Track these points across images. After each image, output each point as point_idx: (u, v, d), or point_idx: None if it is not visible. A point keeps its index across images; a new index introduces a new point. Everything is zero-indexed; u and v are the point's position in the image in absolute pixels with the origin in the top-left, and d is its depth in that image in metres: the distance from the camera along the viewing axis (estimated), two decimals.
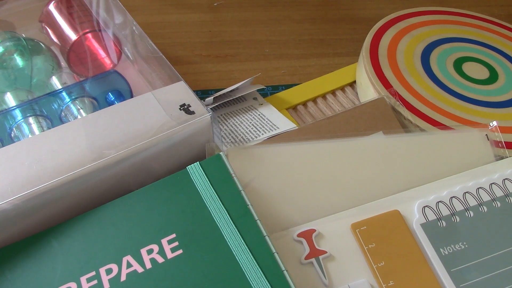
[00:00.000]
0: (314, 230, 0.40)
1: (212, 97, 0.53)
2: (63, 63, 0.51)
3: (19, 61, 0.49)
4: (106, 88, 0.47)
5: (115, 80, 0.48)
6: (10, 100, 0.46)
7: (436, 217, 0.41)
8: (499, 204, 0.42)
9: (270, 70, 0.63)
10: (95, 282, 0.36)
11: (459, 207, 0.41)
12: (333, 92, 0.59)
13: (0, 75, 0.49)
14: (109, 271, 0.36)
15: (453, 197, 0.42)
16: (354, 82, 0.59)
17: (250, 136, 0.51)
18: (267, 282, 0.35)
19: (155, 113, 0.42)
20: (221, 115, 0.54)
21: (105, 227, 0.38)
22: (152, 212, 0.38)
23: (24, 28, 0.54)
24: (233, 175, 0.39)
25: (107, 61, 0.51)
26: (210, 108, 0.45)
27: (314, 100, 0.58)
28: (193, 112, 0.42)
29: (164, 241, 0.37)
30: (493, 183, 0.43)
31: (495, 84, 0.56)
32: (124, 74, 0.48)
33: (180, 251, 0.37)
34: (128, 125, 0.41)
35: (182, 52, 0.64)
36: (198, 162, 0.40)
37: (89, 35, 0.51)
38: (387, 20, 0.62)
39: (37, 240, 0.38)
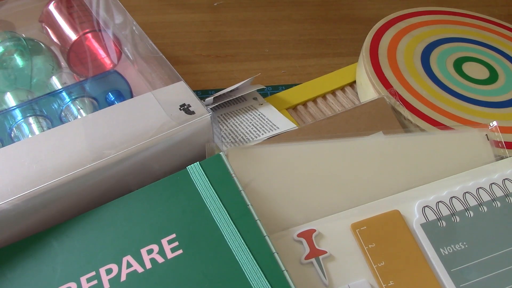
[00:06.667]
0: (314, 230, 0.40)
1: (212, 97, 0.53)
2: (63, 63, 0.51)
3: (19, 61, 0.49)
4: (106, 88, 0.47)
5: (115, 80, 0.48)
6: (10, 100, 0.46)
7: (436, 217, 0.41)
8: (499, 204, 0.42)
9: (270, 70, 0.63)
10: (95, 282, 0.36)
11: (459, 207, 0.41)
12: (333, 92, 0.59)
13: (0, 75, 0.49)
14: (109, 271, 0.36)
15: (453, 197, 0.42)
16: (354, 82, 0.59)
17: (250, 136, 0.51)
18: (267, 282, 0.35)
19: (155, 113, 0.42)
20: (221, 115, 0.54)
21: (105, 227, 0.38)
22: (152, 212, 0.38)
23: (24, 28, 0.54)
24: (233, 175, 0.39)
25: (107, 61, 0.51)
26: (210, 108, 0.45)
27: (314, 100, 0.58)
28: (193, 112, 0.42)
29: (164, 241, 0.37)
30: (493, 183, 0.43)
31: (495, 84, 0.56)
32: (124, 74, 0.48)
33: (180, 251, 0.37)
34: (128, 125, 0.41)
35: (182, 52, 0.64)
36: (198, 162, 0.40)
37: (89, 35, 0.51)
38: (387, 20, 0.62)
39: (37, 240, 0.38)
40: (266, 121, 0.53)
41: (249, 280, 0.35)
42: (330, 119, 0.48)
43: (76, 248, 0.37)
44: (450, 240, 0.40)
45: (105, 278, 0.36)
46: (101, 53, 0.51)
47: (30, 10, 0.55)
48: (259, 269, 0.35)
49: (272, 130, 0.51)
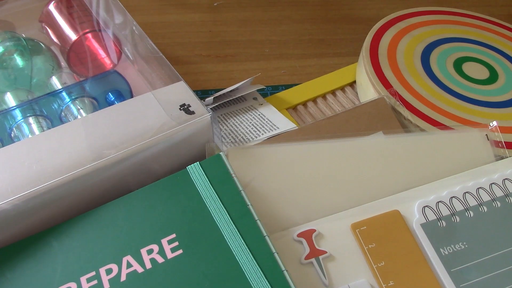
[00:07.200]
0: (314, 230, 0.40)
1: (212, 97, 0.53)
2: (63, 63, 0.51)
3: (19, 61, 0.49)
4: (106, 88, 0.47)
5: (115, 80, 0.48)
6: (10, 100, 0.46)
7: (436, 217, 0.41)
8: (499, 204, 0.42)
9: (270, 70, 0.63)
10: (95, 282, 0.36)
11: (459, 207, 0.41)
12: (333, 92, 0.59)
13: (0, 75, 0.49)
14: (109, 271, 0.36)
15: (453, 197, 0.42)
16: (354, 82, 0.59)
17: (250, 136, 0.51)
18: (267, 282, 0.35)
19: (155, 113, 0.42)
20: (221, 115, 0.54)
21: (105, 227, 0.38)
22: (152, 212, 0.38)
23: (24, 28, 0.54)
24: (233, 175, 0.39)
25: (107, 61, 0.51)
26: (210, 108, 0.45)
27: (314, 100, 0.58)
28: (193, 112, 0.42)
29: (164, 241, 0.37)
30: (493, 183, 0.43)
31: (495, 84, 0.56)
32: (124, 74, 0.48)
33: (180, 251, 0.37)
34: (128, 125, 0.41)
35: (182, 52, 0.64)
36: (198, 162, 0.40)
37: (89, 35, 0.51)
38: (387, 20, 0.62)
39: (37, 240, 0.38)
40: (266, 121, 0.53)
41: (249, 280, 0.35)
42: (330, 119, 0.48)
43: (76, 248, 0.37)
44: (450, 240, 0.40)
45: (105, 278, 0.36)
46: (101, 53, 0.51)
47: (30, 10, 0.55)
48: (259, 269, 0.35)
49: (272, 130, 0.51)
